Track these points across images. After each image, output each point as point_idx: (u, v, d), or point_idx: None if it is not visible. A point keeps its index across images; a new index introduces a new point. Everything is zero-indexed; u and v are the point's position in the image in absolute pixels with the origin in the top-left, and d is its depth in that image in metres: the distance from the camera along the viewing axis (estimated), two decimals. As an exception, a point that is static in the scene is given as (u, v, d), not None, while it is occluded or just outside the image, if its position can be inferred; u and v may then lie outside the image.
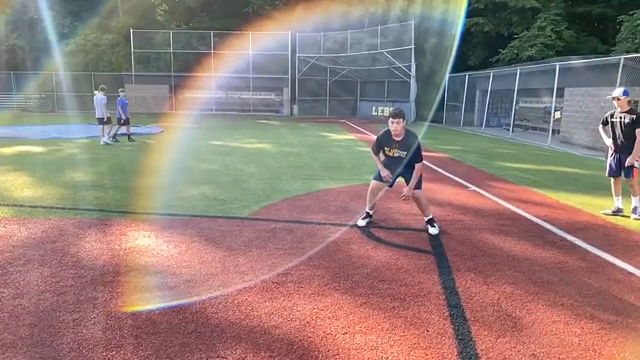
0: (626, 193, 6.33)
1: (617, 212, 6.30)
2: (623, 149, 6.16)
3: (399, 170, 5.35)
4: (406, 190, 5.29)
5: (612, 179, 6.39)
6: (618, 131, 6.19)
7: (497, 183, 8.62)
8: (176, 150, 13.03)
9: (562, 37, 24.62)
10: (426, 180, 8.74)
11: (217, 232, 5.20)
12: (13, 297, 3.48)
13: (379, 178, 5.45)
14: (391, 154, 5.34)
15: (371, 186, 5.54)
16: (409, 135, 5.23)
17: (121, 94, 14.54)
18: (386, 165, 5.41)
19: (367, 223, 5.57)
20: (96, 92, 14.13)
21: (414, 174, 5.20)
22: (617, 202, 6.34)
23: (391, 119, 5.16)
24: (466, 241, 5.07)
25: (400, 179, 5.49)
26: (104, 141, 13.59)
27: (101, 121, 13.72)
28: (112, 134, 14.18)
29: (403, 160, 5.25)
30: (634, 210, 6.17)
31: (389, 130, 5.24)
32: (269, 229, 5.35)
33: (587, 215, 6.35)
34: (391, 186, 5.60)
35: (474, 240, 5.12)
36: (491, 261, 4.47)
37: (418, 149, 5.20)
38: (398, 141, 5.24)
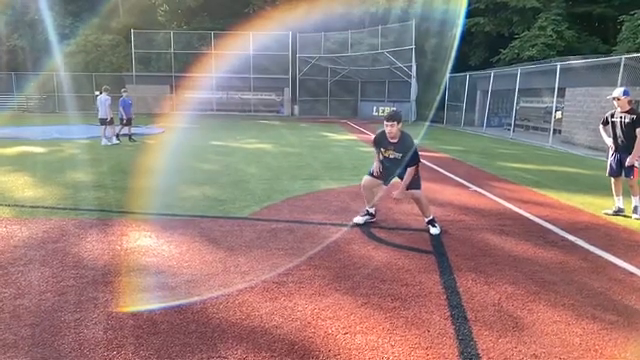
0: (627, 193, 6.32)
1: (618, 212, 6.29)
2: (623, 149, 6.15)
3: (397, 171, 5.36)
4: (396, 193, 5.28)
5: (612, 179, 6.38)
6: (618, 131, 6.19)
7: (498, 183, 8.62)
8: (177, 150, 13.04)
9: (563, 37, 24.61)
10: (427, 180, 8.75)
11: (218, 232, 5.20)
12: (14, 297, 3.49)
13: (371, 173, 5.49)
14: (387, 155, 5.36)
15: (363, 182, 5.56)
16: (405, 138, 5.23)
17: (124, 94, 14.59)
18: (383, 164, 5.43)
19: (365, 221, 5.58)
20: (97, 92, 14.17)
21: (406, 176, 5.19)
22: (618, 202, 6.34)
23: (385, 122, 5.17)
24: (467, 241, 5.07)
25: (396, 179, 5.50)
26: (112, 142, 13.63)
27: (104, 122, 13.75)
28: (115, 134, 14.22)
29: (399, 162, 5.26)
30: (635, 210, 6.16)
31: (385, 131, 5.25)
32: (270, 229, 5.35)
33: (588, 215, 6.34)
34: (386, 184, 5.59)
35: (475, 240, 5.12)
36: (492, 261, 4.46)
37: (414, 152, 5.20)
38: (393, 143, 5.24)
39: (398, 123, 5.13)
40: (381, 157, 5.47)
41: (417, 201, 5.40)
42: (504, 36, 27.46)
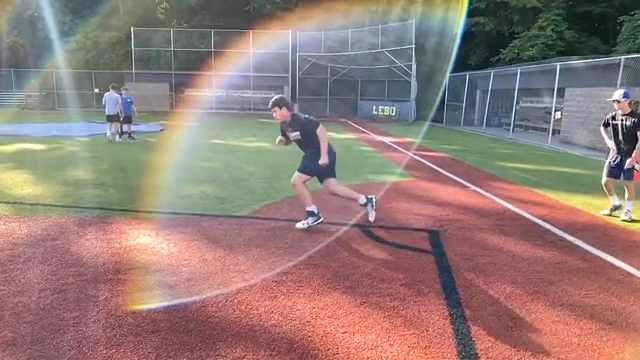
0: (621, 190, 6.28)
1: (615, 209, 6.27)
2: (625, 152, 6.10)
3: (309, 151, 5.45)
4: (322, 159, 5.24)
5: (605, 178, 6.32)
6: (620, 134, 6.15)
7: (497, 183, 8.62)
8: (176, 148, 13.03)
9: (563, 37, 24.63)
10: (427, 179, 8.78)
11: (217, 231, 5.20)
12: (14, 295, 3.49)
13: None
14: (293, 137, 5.47)
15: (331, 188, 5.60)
16: (294, 116, 5.40)
17: (124, 92, 14.60)
18: (301, 148, 5.60)
19: (373, 211, 5.64)
20: (96, 90, 14.22)
21: (321, 143, 5.23)
22: (613, 201, 6.31)
23: (270, 110, 5.39)
24: (466, 241, 5.08)
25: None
26: (117, 140, 13.75)
27: (112, 118, 13.83)
28: (119, 131, 14.27)
29: (304, 140, 5.38)
30: (626, 213, 6.11)
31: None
32: (269, 228, 5.36)
33: (587, 215, 6.35)
34: (322, 184, 5.58)
35: (474, 240, 5.13)
36: (491, 261, 4.47)
37: (307, 124, 5.32)
38: (289, 124, 5.42)
39: (280, 108, 5.31)
40: (295, 144, 5.58)
41: (335, 194, 5.53)
42: (504, 36, 27.48)
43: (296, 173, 5.38)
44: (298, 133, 5.38)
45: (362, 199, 5.58)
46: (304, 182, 5.38)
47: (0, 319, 3.12)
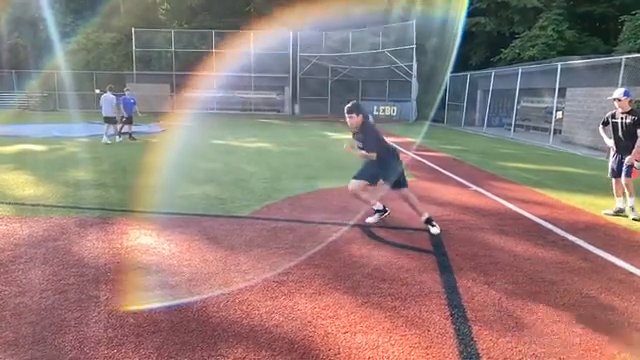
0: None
1: (619, 212, 6.29)
2: (624, 149, 6.15)
3: (378, 171, 5.40)
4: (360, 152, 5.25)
5: (613, 180, 6.38)
6: (620, 132, 6.19)
7: (498, 183, 8.62)
8: (177, 149, 13.04)
9: (564, 37, 24.62)
10: (428, 180, 8.77)
11: (218, 231, 5.20)
12: (15, 295, 3.49)
13: (355, 176, 5.50)
14: (358, 144, 5.46)
15: (351, 187, 5.47)
16: (367, 130, 5.33)
17: (126, 92, 14.62)
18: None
19: (380, 218, 5.63)
20: (97, 91, 14.21)
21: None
22: (619, 202, 6.33)
23: (345, 114, 5.29)
24: (467, 241, 5.07)
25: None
26: (116, 140, 13.70)
27: (110, 120, 13.81)
28: (118, 132, 14.27)
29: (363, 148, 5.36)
30: (632, 210, 6.14)
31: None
32: (270, 228, 5.36)
33: (589, 215, 6.34)
34: (374, 184, 5.52)
35: (475, 240, 5.12)
36: (492, 261, 4.47)
37: (372, 140, 5.27)
38: (356, 133, 5.39)
39: (357, 115, 5.23)
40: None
41: (406, 199, 5.45)
42: (505, 36, 27.48)
43: (404, 190, 5.37)
44: (360, 143, 5.35)
45: (378, 205, 5.64)
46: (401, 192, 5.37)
47: (2, 320, 3.13)
